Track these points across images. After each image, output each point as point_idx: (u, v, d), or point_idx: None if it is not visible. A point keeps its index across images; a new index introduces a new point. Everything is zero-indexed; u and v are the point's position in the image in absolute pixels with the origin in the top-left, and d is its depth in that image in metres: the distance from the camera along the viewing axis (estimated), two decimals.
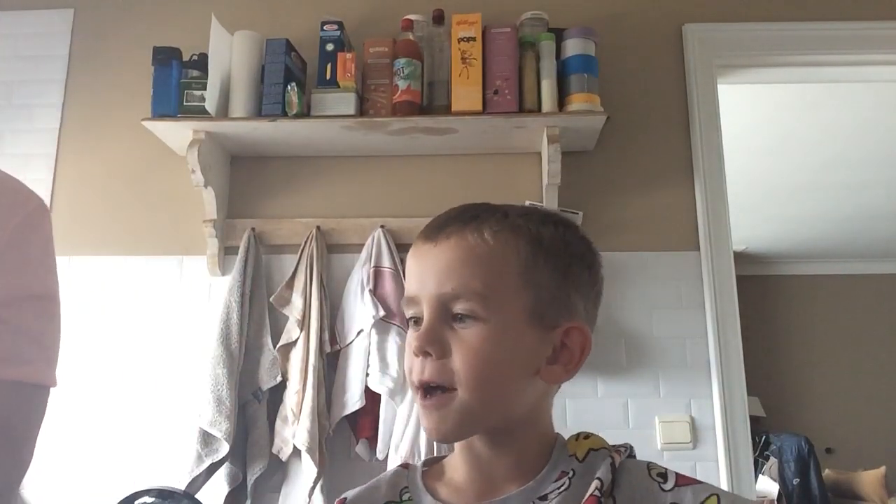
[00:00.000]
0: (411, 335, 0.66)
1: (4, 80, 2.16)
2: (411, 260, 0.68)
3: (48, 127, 2.11)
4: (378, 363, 1.78)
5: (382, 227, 1.93)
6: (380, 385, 1.76)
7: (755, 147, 3.64)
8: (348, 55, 1.86)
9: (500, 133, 1.91)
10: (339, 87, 1.86)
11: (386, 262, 1.87)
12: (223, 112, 1.88)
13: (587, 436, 0.69)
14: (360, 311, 1.83)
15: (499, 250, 0.64)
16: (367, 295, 1.82)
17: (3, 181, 0.87)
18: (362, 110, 1.89)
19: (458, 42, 1.87)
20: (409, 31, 1.91)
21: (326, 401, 1.80)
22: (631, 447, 0.68)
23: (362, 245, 1.92)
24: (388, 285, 1.85)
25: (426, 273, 0.65)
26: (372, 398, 1.78)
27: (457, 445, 0.69)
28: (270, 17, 2.13)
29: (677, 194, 2.00)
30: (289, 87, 1.85)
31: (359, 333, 1.83)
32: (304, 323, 1.83)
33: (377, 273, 1.86)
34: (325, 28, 1.93)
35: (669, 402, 1.87)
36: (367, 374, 1.78)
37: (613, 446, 0.68)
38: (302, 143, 1.98)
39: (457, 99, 1.84)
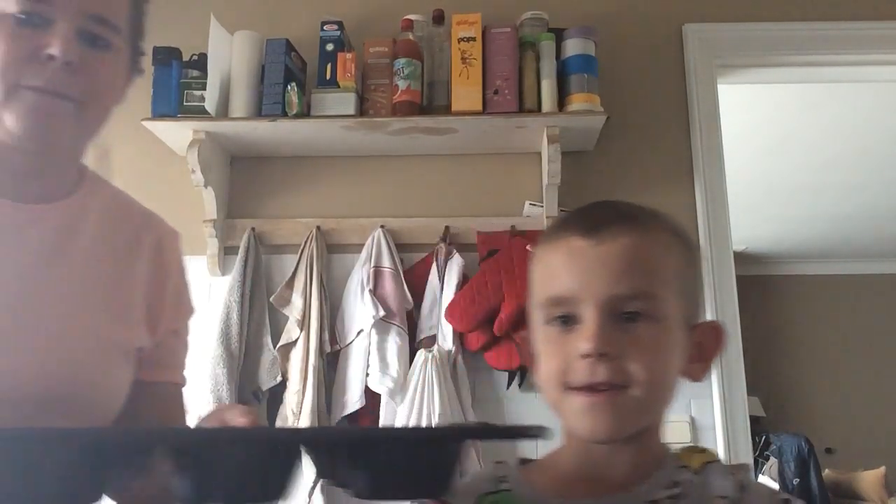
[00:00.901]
0: (557, 337, 0.64)
1: None
2: (563, 257, 0.65)
3: None
4: (378, 363, 1.78)
5: (382, 227, 1.93)
6: (380, 385, 1.76)
7: (755, 147, 3.64)
8: (348, 55, 1.86)
9: (500, 133, 1.91)
10: (339, 87, 1.86)
11: (386, 262, 1.87)
12: (223, 112, 1.88)
13: (702, 449, 0.68)
14: (360, 311, 1.83)
15: (663, 252, 0.65)
16: (367, 295, 1.82)
17: (156, 216, 0.98)
18: (362, 110, 1.89)
19: (458, 42, 1.87)
20: (409, 31, 1.91)
21: (326, 401, 1.80)
22: (749, 467, 0.69)
23: (362, 245, 1.92)
24: (388, 285, 1.84)
25: (590, 272, 0.63)
26: (372, 398, 1.78)
27: (571, 441, 0.68)
28: (270, 17, 2.13)
29: (677, 194, 1.99)
30: (289, 87, 1.85)
31: (359, 333, 1.83)
32: (304, 323, 1.83)
33: (377, 273, 1.86)
34: (325, 28, 1.93)
35: None
36: (367, 375, 1.78)
37: (731, 465, 0.66)
38: (302, 143, 1.98)
39: (457, 99, 1.84)
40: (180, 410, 0.97)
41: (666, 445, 0.68)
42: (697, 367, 0.67)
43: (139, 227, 0.92)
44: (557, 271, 0.65)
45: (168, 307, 0.92)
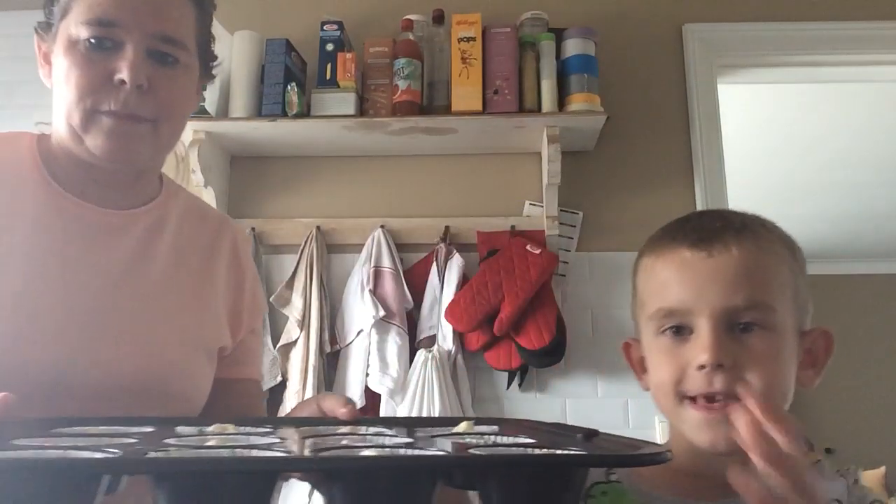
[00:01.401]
0: (670, 348, 0.65)
1: (4, 80, 2.16)
2: (674, 269, 0.66)
3: (49, 127, 2.10)
4: (378, 363, 1.78)
5: (382, 227, 1.93)
6: (380, 385, 1.76)
7: (755, 147, 3.64)
8: (348, 55, 1.86)
9: (500, 133, 1.91)
10: (339, 87, 1.86)
11: (386, 262, 1.87)
12: (223, 112, 1.88)
13: (807, 451, 0.67)
14: (360, 311, 1.83)
15: (775, 261, 0.65)
16: (367, 295, 1.82)
17: (229, 219, 1.01)
18: (362, 110, 1.89)
19: (458, 42, 1.87)
20: (409, 31, 1.92)
21: None
22: (855, 470, 0.66)
23: (362, 245, 1.92)
24: (388, 285, 1.84)
25: (704, 284, 0.64)
26: (372, 398, 1.78)
27: (682, 440, 0.67)
28: (270, 17, 2.13)
29: (677, 194, 1.99)
30: (289, 87, 1.86)
31: (359, 333, 1.83)
32: (304, 323, 1.83)
33: (377, 273, 1.86)
34: (325, 28, 1.93)
35: None
36: (367, 375, 1.78)
37: (842, 468, 0.66)
38: (302, 143, 1.98)
39: (457, 99, 1.84)
40: (260, 405, 1.05)
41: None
42: (809, 373, 0.67)
43: (216, 229, 0.95)
44: (669, 283, 0.66)
45: (246, 309, 0.95)
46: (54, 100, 0.80)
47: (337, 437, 0.58)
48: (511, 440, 0.54)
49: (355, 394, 1.77)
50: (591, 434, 0.53)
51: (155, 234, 0.87)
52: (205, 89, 0.94)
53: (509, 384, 1.86)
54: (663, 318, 0.65)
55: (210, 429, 0.59)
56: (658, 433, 1.84)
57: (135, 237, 0.85)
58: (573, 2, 2.11)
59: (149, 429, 0.59)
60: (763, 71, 2.17)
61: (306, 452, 0.50)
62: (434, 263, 1.89)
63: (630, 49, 2.09)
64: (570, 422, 1.83)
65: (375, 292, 1.83)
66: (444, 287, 1.85)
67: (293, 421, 0.67)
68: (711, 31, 2.08)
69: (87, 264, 0.80)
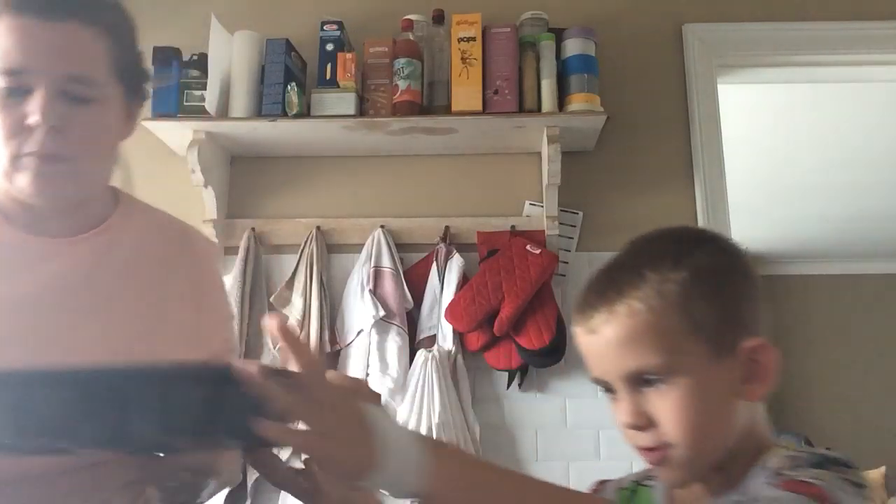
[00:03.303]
0: (611, 403, 0.70)
1: None
2: (579, 345, 0.71)
3: None
4: (378, 363, 1.78)
5: (382, 227, 1.93)
6: (380, 385, 1.76)
7: (755, 147, 3.64)
8: (348, 55, 1.86)
9: (500, 133, 1.91)
10: (339, 87, 1.86)
11: (386, 262, 1.87)
12: (223, 112, 1.88)
13: (784, 446, 0.69)
14: (360, 311, 1.83)
15: (654, 317, 0.66)
16: (367, 295, 1.82)
17: (192, 232, 1.02)
18: (362, 110, 1.89)
19: (458, 42, 1.87)
20: (409, 31, 1.91)
21: None
22: (820, 455, 0.65)
23: (362, 245, 1.92)
24: (388, 285, 1.84)
25: (601, 358, 0.68)
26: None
27: None
28: (270, 17, 2.13)
29: (677, 194, 1.99)
30: (289, 87, 1.85)
31: (359, 333, 1.83)
32: (304, 323, 1.83)
33: (377, 273, 1.86)
34: (325, 28, 1.93)
35: None
36: (367, 375, 1.78)
37: (802, 450, 0.66)
38: (302, 143, 1.98)
39: (457, 99, 1.84)
40: None
41: (768, 450, 0.67)
42: (754, 387, 0.67)
43: (175, 243, 0.96)
44: (583, 354, 0.71)
45: (206, 322, 0.96)
46: None
47: None
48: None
49: None
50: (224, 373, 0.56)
51: (102, 255, 0.89)
52: (149, 97, 0.97)
53: (509, 384, 1.86)
54: (595, 382, 0.71)
55: None
56: None
57: (76, 261, 0.87)
58: (573, 2, 2.11)
59: None
60: (763, 71, 2.17)
61: None
62: (434, 263, 1.89)
63: (630, 49, 2.09)
64: (570, 422, 1.83)
65: (375, 292, 1.83)
66: (444, 287, 1.85)
67: None
68: (711, 31, 2.08)
69: (22, 291, 0.82)
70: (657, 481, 0.75)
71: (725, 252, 0.71)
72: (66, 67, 0.81)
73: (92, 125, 0.84)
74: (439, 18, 1.93)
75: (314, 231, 1.94)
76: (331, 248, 1.97)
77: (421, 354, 1.78)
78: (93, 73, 0.83)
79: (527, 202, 1.99)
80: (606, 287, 0.69)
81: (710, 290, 0.67)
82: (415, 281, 1.89)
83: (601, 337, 0.67)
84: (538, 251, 1.83)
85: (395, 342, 1.80)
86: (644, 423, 0.66)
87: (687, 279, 0.66)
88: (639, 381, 0.66)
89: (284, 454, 1.77)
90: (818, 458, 0.63)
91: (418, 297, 1.87)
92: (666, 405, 0.65)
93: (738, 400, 0.67)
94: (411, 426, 1.70)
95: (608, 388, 0.70)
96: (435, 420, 1.69)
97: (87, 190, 0.89)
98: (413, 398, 1.74)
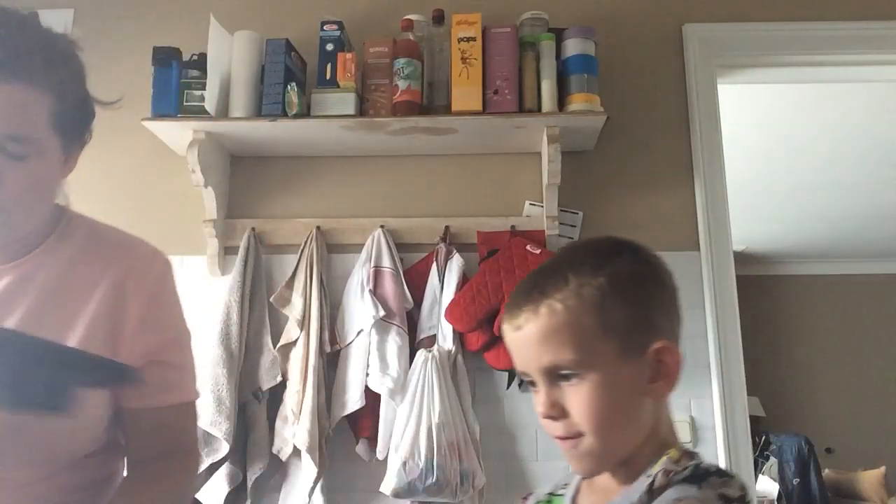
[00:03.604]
0: (533, 396, 0.76)
1: None
2: (505, 337, 0.78)
3: None
4: (378, 363, 1.77)
5: (382, 227, 1.93)
6: (380, 385, 1.76)
7: (755, 147, 3.64)
8: (348, 55, 1.86)
9: (500, 133, 1.91)
10: (339, 87, 1.86)
11: (386, 262, 1.87)
12: (223, 112, 1.88)
13: (670, 452, 0.73)
14: (360, 311, 1.83)
15: (572, 317, 0.72)
16: (367, 295, 1.82)
17: (132, 246, 1.03)
18: (362, 110, 1.89)
19: (458, 42, 1.87)
20: (409, 31, 1.91)
21: (326, 401, 1.80)
22: (694, 468, 0.69)
23: (362, 245, 1.92)
24: (388, 285, 1.84)
25: (523, 353, 0.75)
26: (372, 398, 1.78)
27: None
28: (270, 17, 2.13)
29: (677, 194, 2.00)
30: (289, 87, 1.85)
31: (359, 333, 1.83)
32: (304, 323, 1.83)
33: (377, 273, 1.86)
34: (325, 28, 1.93)
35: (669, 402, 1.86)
36: (367, 374, 1.78)
37: (682, 464, 0.70)
38: (302, 143, 1.98)
39: (457, 99, 1.84)
40: (179, 430, 1.04)
41: (668, 450, 0.73)
42: (659, 385, 0.73)
43: (108, 258, 0.98)
44: (510, 349, 0.78)
45: (129, 338, 0.96)
46: None
47: None
48: None
49: (355, 394, 1.78)
50: None
51: (25, 281, 0.92)
52: (91, 137, 0.99)
53: (509, 384, 1.86)
54: (520, 376, 0.78)
55: None
56: None
57: (2, 289, 0.91)
58: (573, 2, 2.11)
59: None
60: (763, 71, 2.17)
61: None
62: (434, 263, 1.89)
63: (630, 49, 2.09)
64: None
65: (375, 292, 1.83)
66: (444, 287, 1.85)
67: None
68: (711, 31, 2.08)
69: None
70: (567, 488, 0.82)
71: (644, 262, 0.77)
72: (4, 129, 0.83)
73: (26, 179, 0.87)
74: (439, 18, 1.93)
75: (314, 231, 1.94)
76: (331, 248, 1.97)
77: (421, 354, 1.78)
78: (30, 133, 0.86)
79: (527, 202, 1.99)
80: (533, 289, 0.75)
81: (625, 295, 0.73)
82: (415, 281, 1.89)
83: (524, 333, 0.74)
84: (538, 251, 1.83)
85: (395, 342, 1.80)
86: (558, 413, 0.72)
87: (604, 284, 0.73)
88: (555, 374, 0.72)
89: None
90: (700, 471, 0.69)
91: (418, 297, 1.87)
92: (577, 398, 0.71)
93: (645, 398, 0.73)
94: (411, 427, 1.71)
95: (531, 382, 0.76)
96: (435, 420, 1.69)
97: (23, 232, 0.92)
98: (413, 398, 1.74)
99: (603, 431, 0.71)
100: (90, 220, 1.02)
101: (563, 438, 0.73)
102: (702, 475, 0.68)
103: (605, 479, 0.76)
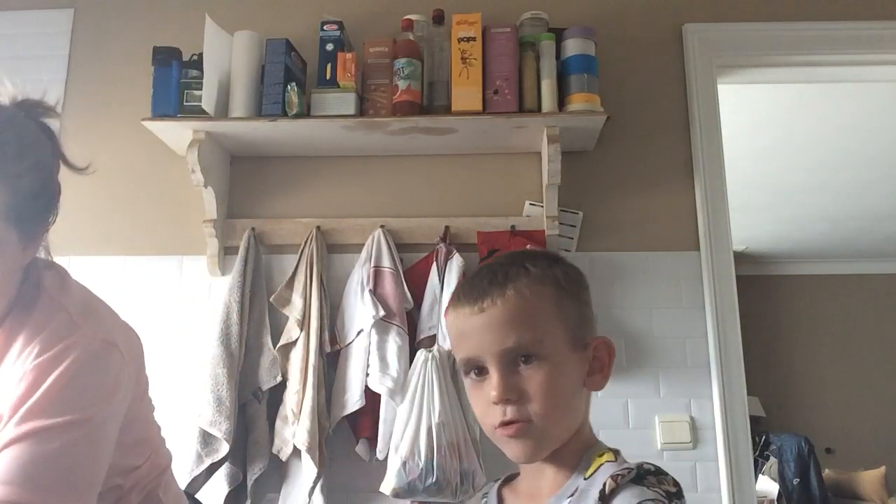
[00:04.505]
0: (475, 386, 0.78)
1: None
2: (458, 326, 0.79)
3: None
4: (378, 363, 1.77)
5: (382, 227, 1.93)
6: (380, 385, 1.76)
7: (755, 147, 3.64)
8: (348, 55, 1.86)
9: (500, 133, 1.91)
10: (339, 87, 1.86)
11: (386, 262, 1.87)
12: (223, 112, 1.88)
13: (602, 452, 0.76)
14: (360, 311, 1.83)
15: (536, 301, 0.76)
16: (367, 295, 1.82)
17: (70, 326, 0.91)
18: (362, 110, 1.89)
19: (458, 42, 1.87)
20: (409, 31, 1.91)
21: (326, 401, 1.80)
22: (637, 468, 0.71)
23: (362, 245, 1.92)
24: (388, 285, 1.84)
25: (482, 335, 0.76)
26: (372, 398, 1.78)
27: None
28: (270, 17, 2.13)
29: (677, 194, 2.00)
30: (289, 87, 1.85)
31: (359, 333, 1.83)
32: (304, 323, 1.83)
33: (377, 273, 1.86)
34: (325, 28, 1.93)
35: (669, 402, 1.87)
36: (367, 374, 1.78)
37: (624, 467, 0.72)
38: (302, 143, 1.98)
39: (457, 99, 1.84)
40: None
41: (589, 454, 0.77)
42: (597, 377, 0.79)
43: (30, 338, 0.90)
44: (461, 337, 0.79)
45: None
46: None
47: None
48: None
49: (355, 394, 1.78)
50: None
51: None
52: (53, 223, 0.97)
53: None
54: (465, 365, 0.79)
55: None
56: (658, 433, 1.84)
57: None
58: (573, 2, 2.11)
59: None
60: (763, 71, 2.17)
61: None
62: (434, 263, 1.89)
63: (630, 49, 2.09)
64: None
65: (375, 292, 1.83)
66: (444, 287, 1.85)
67: None
68: (711, 31, 2.08)
69: None
70: (489, 495, 0.86)
71: (578, 270, 0.83)
72: None
73: None
74: (439, 18, 1.93)
75: (314, 231, 1.94)
76: (331, 248, 1.97)
77: (421, 354, 1.78)
78: None
79: (527, 202, 1.99)
80: (495, 274, 0.78)
81: (573, 292, 0.79)
82: (415, 281, 1.89)
83: (488, 315, 0.76)
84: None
85: (395, 342, 1.80)
86: (515, 396, 0.74)
87: (560, 278, 0.79)
88: (513, 357, 0.75)
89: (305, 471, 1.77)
90: (642, 471, 0.71)
91: (418, 297, 1.87)
92: (536, 380, 0.74)
93: (584, 389, 0.78)
94: (411, 427, 1.71)
95: (479, 370, 0.77)
96: (435, 420, 1.69)
97: None
98: (413, 398, 1.74)
99: (554, 414, 0.74)
100: (56, 295, 0.94)
101: (508, 424, 0.74)
102: (643, 475, 0.71)
103: (528, 485, 0.80)
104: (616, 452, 0.76)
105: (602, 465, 0.74)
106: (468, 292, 0.79)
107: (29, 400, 0.84)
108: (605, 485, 0.69)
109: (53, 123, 0.94)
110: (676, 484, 0.71)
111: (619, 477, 0.69)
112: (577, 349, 0.77)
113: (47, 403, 0.84)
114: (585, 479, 0.73)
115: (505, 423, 0.75)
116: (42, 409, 0.84)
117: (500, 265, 0.80)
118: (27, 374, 0.86)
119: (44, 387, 0.85)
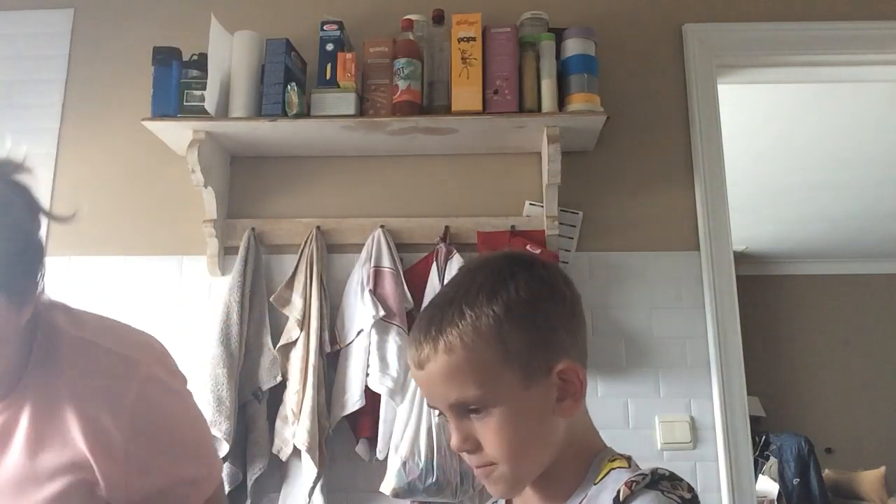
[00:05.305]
0: (447, 425, 0.78)
1: (4, 80, 2.16)
2: (414, 379, 0.80)
3: (48, 127, 2.11)
4: (378, 363, 1.77)
5: (382, 227, 1.93)
6: (380, 385, 1.76)
7: (755, 147, 3.64)
8: (348, 55, 1.86)
9: (500, 133, 1.91)
10: (339, 87, 1.86)
11: (386, 262, 1.87)
12: (223, 112, 1.88)
13: (613, 458, 0.75)
14: (360, 311, 1.83)
15: (471, 352, 0.71)
16: (367, 295, 1.82)
17: (99, 362, 0.91)
18: (362, 110, 1.89)
19: (458, 42, 1.87)
20: (409, 31, 1.91)
21: (326, 401, 1.80)
22: (651, 474, 0.69)
23: (362, 245, 1.92)
24: (388, 285, 1.84)
25: (429, 392, 0.75)
26: (372, 398, 1.78)
27: None
28: (270, 17, 2.13)
29: (677, 194, 2.00)
30: (289, 87, 1.86)
31: (359, 333, 1.83)
32: (304, 323, 1.83)
33: (377, 273, 1.86)
34: (325, 28, 1.93)
35: (669, 402, 1.87)
36: (367, 374, 1.78)
37: (638, 473, 0.70)
38: (302, 143, 1.98)
39: (457, 99, 1.84)
40: None
41: (598, 454, 0.76)
42: (567, 404, 0.73)
43: (76, 393, 0.89)
44: (418, 387, 0.79)
45: (121, 485, 0.88)
46: None
47: None
48: None
49: (355, 394, 1.78)
50: None
51: (11, 426, 0.88)
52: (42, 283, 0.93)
53: None
54: (433, 409, 0.78)
55: None
56: (658, 433, 1.84)
57: None
58: (573, 2, 2.11)
59: None
60: (763, 71, 2.17)
61: None
62: (434, 263, 1.89)
63: (630, 49, 2.09)
64: None
65: (375, 292, 1.83)
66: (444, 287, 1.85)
67: None
68: (711, 31, 2.08)
69: None
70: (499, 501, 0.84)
71: (539, 280, 0.75)
72: None
73: None
74: (439, 18, 1.93)
75: (314, 231, 1.94)
76: (331, 248, 1.97)
77: None
78: None
79: (527, 202, 1.99)
80: (430, 324, 0.74)
81: (522, 321, 0.72)
82: (415, 281, 1.89)
83: (427, 372, 0.73)
84: (538, 251, 1.83)
85: (395, 342, 1.80)
86: (471, 446, 0.73)
87: (500, 313, 0.71)
88: (463, 410, 0.72)
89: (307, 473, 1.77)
90: (657, 477, 0.69)
91: (418, 297, 1.87)
92: (487, 430, 0.71)
93: (555, 418, 0.73)
94: (411, 427, 1.71)
95: (440, 413, 0.76)
96: (435, 420, 1.69)
97: None
98: (413, 398, 1.74)
99: (515, 459, 0.72)
100: (63, 329, 0.92)
101: (478, 467, 0.74)
102: (657, 480, 0.69)
103: (536, 492, 0.77)
104: (628, 459, 0.75)
105: (612, 469, 0.72)
106: (413, 337, 0.76)
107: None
108: (619, 491, 0.68)
109: (28, 178, 0.90)
110: (691, 489, 0.69)
111: (634, 483, 0.68)
112: (537, 380, 0.72)
113: (175, 442, 0.94)
114: (595, 484, 0.72)
115: (475, 467, 0.74)
116: (170, 455, 0.92)
117: (437, 306, 0.75)
118: (123, 420, 0.87)
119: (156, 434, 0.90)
